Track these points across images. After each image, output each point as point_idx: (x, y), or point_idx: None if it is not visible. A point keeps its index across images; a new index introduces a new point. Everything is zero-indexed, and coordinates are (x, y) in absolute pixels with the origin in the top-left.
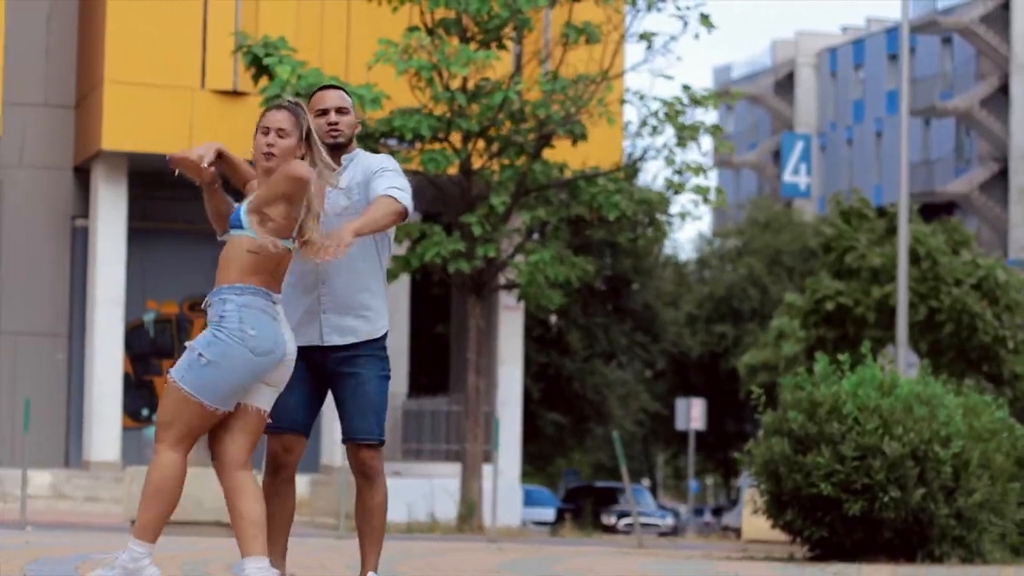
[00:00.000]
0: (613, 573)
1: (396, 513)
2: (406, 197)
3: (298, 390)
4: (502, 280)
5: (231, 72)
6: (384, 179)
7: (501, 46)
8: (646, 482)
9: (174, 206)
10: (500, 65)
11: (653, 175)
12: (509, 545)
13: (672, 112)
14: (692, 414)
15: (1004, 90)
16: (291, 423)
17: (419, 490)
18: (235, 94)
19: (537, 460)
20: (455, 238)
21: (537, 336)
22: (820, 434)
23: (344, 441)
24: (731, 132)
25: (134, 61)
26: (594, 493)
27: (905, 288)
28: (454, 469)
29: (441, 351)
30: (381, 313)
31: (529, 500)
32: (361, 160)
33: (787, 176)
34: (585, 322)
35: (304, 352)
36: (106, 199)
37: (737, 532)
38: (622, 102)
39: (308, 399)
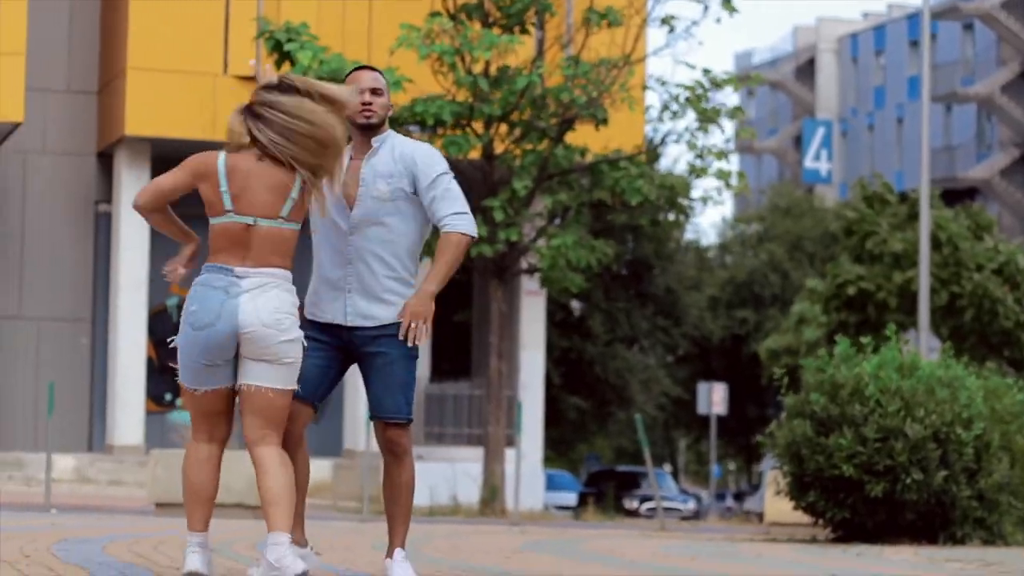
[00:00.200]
0: (636, 555)
1: (419, 497)
2: (471, 222)
3: (312, 360)
4: (524, 264)
5: (253, 58)
6: (446, 201)
7: (524, 31)
8: (667, 467)
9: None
10: (522, 50)
11: (674, 159)
12: (532, 528)
13: (693, 96)
14: (714, 398)
15: None
16: (297, 391)
17: (441, 474)
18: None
19: (559, 445)
20: (477, 222)
21: (559, 321)
22: (842, 416)
23: (372, 419)
24: (752, 118)
25: (157, 47)
26: (616, 477)
27: (927, 273)
28: (476, 453)
29: (463, 336)
30: (407, 297)
31: (551, 484)
32: (397, 144)
33: (808, 162)
34: (607, 307)
35: (330, 330)
36: (129, 184)
37: (759, 517)
38: (644, 87)
39: (322, 371)
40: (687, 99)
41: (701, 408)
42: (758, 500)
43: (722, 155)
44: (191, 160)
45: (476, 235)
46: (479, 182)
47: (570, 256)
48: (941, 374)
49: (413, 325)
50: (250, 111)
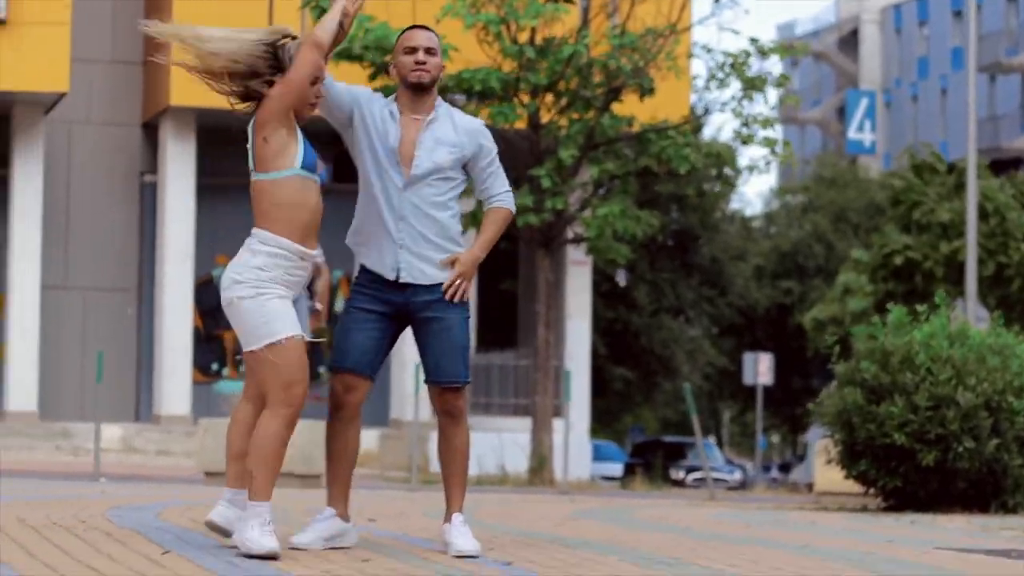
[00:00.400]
0: (689, 522)
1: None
2: (513, 200)
3: (366, 332)
4: (570, 234)
5: (298, 26)
6: (497, 178)
7: None
8: (711, 438)
9: (242, 161)
10: (567, 19)
11: (717, 127)
12: (580, 497)
13: (738, 65)
14: (760, 369)
15: None
16: (355, 363)
17: (489, 444)
18: None
19: (604, 416)
20: (524, 192)
21: (604, 291)
22: (893, 384)
23: (429, 383)
24: (796, 89)
25: (202, 16)
26: (662, 448)
27: (974, 243)
28: (522, 423)
29: (508, 306)
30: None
31: (597, 455)
32: (456, 116)
33: (852, 133)
34: (652, 277)
35: (382, 297)
36: (174, 155)
37: (808, 487)
38: (689, 56)
39: (377, 341)
40: (732, 67)
41: (747, 379)
42: (803, 471)
43: (768, 123)
44: None
45: (515, 211)
46: (525, 151)
47: (617, 226)
48: (992, 342)
49: (458, 282)
50: None
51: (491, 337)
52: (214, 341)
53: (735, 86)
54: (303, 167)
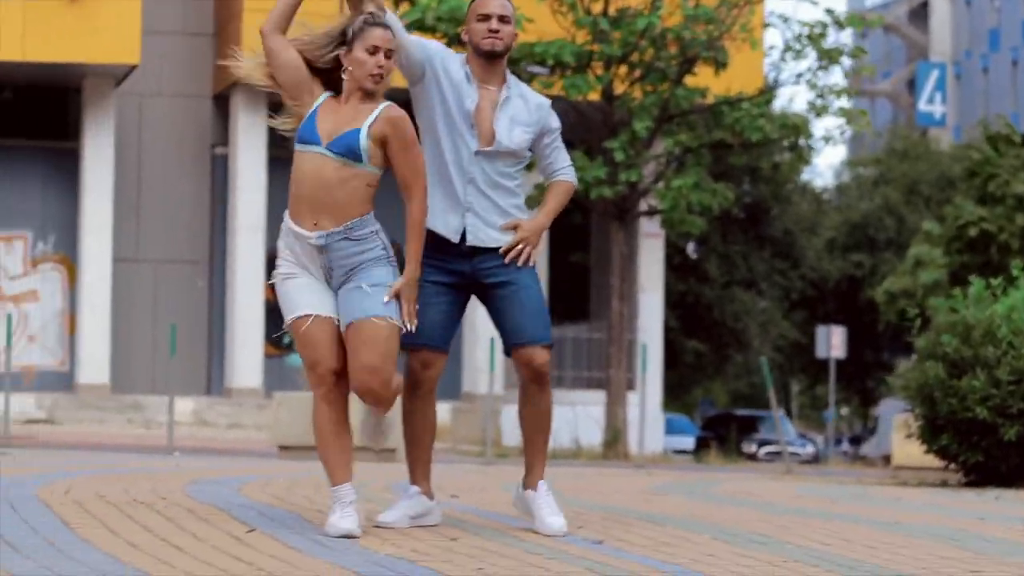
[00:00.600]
0: (772, 497)
1: None
2: (574, 173)
3: (437, 307)
4: (644, 206)
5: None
6: (561, 153)
7: None
8: (781, 411)
9: None
10: None
11: (789, 98)
12: (657, 471)
13: (815, 36)
14: (833, 342)
15: None
16: (430, 339)
17: (562, 417)
18: None
19: (674, 389)
20: (598, 164)
21: (676, 264)
22: (975, 358)
23: (513, 346)
24: (865, 61)
25: None
26: (734, 421)
27: None
28: (595, 396)
29: (579, 279)
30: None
31: (668, 428)
32: (526, 93)
33: (922, 105)
34: (724, 249)
35: (448, 267)
36: (245, 127)
37: (884, 460)
38: (765, 26)
39: (447, 315)
40: (809, 37)
41: (820, 352)
42: (875, 444)
43: (844, 93)
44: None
45: (577, 185)
46: (599, 123)
47: (691, 198)
48: None
49: (521, 247)
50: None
51: (562, 310)
52: None
53: (811, 57)
54: (298, 140)
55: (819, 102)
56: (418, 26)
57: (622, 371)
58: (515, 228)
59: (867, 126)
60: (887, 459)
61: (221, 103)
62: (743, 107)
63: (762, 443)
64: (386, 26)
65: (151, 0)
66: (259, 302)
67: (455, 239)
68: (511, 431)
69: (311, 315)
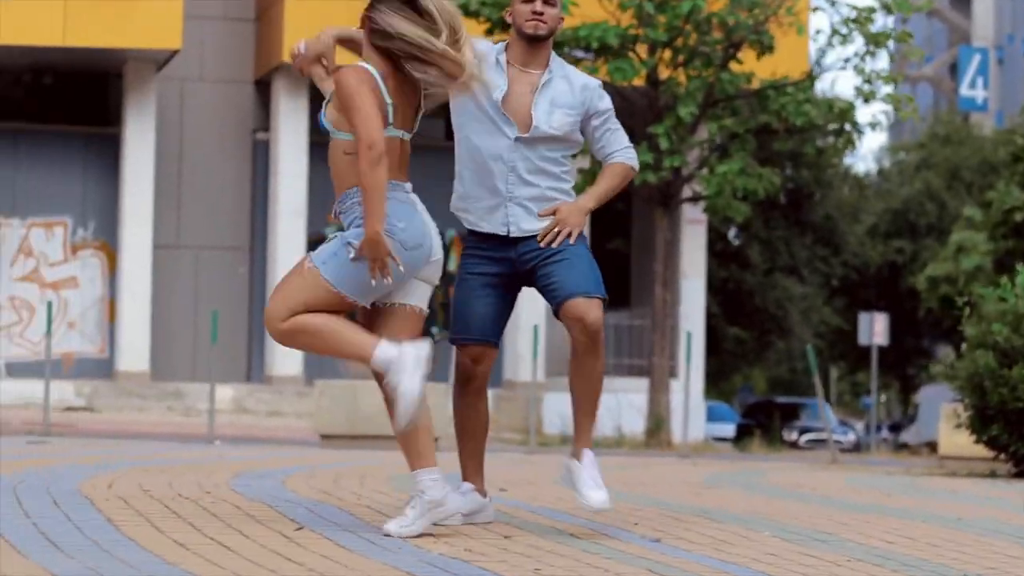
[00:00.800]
0: (826, 490)
1: None
2: (636, 157)
3: (485, 300)
4: (688, 192)
5: None
6: (617, 134)
7: None
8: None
9: None
10: None
11: (831, 81)
12: (702, 460)
13: (863, 20)
14: (875, 329)
15: None
16: (479, 333)
17: (604, 404)
18: None
19: (714, 376)
20: (642, 149)
21: (718, 250)
22: None
23: (561, 302)
24: (911, 45)
25: None
26: (775, 409)
27: None
28: (636, 384)
29: (617, 266)
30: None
31: (709, 415)
32: (571, 75)
33: (964, 90)
34: (766, 235)
35: (495, 257)
36: (287, 112)
37: (925, 447)
38: (813, 9)
39: (496, 309)
40: (855, 21)
41: (862, 339)
42: (915, 432)
43: (891, 79)
44: (358, 75)
45: (638, 169)
46: (644, 108)
47: (736, 184)
48: None
49: (557, 229)
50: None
51: None
52: None
53: (857, 42)
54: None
55: (866, 87)
56: (463, 11)
57: (665, 359)
58: (554, 213)
59: (914, 113)
60: (928, 446)
61: (262, 88)
62: (788, 92)
63: (803, 431)
64: None
65: None
66: None
67: (503, 232)
68: (553, 419)
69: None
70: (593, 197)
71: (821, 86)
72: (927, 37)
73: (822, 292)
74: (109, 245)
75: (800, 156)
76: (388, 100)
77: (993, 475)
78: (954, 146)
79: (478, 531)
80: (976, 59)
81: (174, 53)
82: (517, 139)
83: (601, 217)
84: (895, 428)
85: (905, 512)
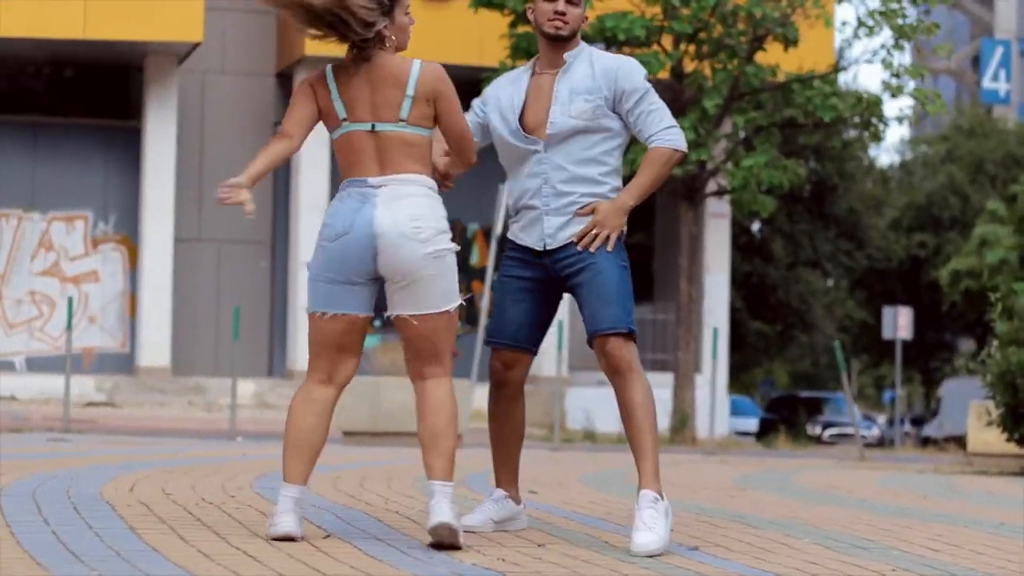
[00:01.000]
0: (861, 491)
1: (606, 424)
2: (681, 136)
3: (519, 304)
4: (714, 186)
5: None
6: (654, 115)
7: None
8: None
9: None
10: None
11: (853, 75)
12: (729, 458)
13: (891, 13)
14: (899, 323)
15: None
16: (511, 338)
17: None
18: None
19: (735, 370)
20: None
21: (741, 244)
22: None
23: (589, 336)
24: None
25: None
26: (799, 403)
27: None
28: (659, 379)
29: (642, 259)
30: None
31: (732, 410)
32: (596, 58)
33: (986, 82)
34: (789, 229)
35: (531, 261)
36: None
37: (948, 441)
38: (839, 1)
39: (531, 314)
40: (882, 14)
41: (886, 333)
42: (937, 426)
43: (919, 73)
44: (300, 85)
45: (686, 150)
46: (669, 101)
47: (762, 177)
48: None
49: (595, 231)
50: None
51: None
52: None
53: (883, 34)
54: None
55: (894, 82)
56: (485, 2)
57: (690, 354)
58: (592, 212)
59: (942, 107)
60: (951, 440)
61: (284, 81)
62: (814, 85)
63: (826, 425)
64: None
65: None
66: None
67: (540, 247)
68: (577, 415)
69: None
70: (633, 193)
71: (844, 78)
72: (949, 29)
73: (841, 285)
74: (130, 239)
75: (823, 149)
76: (336, 97)
77: (1023, 473)
78: (978, 139)
79: (511, 539)
80: (999, 51)
81: (195, 46)
82: (546, 146)
83: None
84: (917, 422)
85: (946, 517)
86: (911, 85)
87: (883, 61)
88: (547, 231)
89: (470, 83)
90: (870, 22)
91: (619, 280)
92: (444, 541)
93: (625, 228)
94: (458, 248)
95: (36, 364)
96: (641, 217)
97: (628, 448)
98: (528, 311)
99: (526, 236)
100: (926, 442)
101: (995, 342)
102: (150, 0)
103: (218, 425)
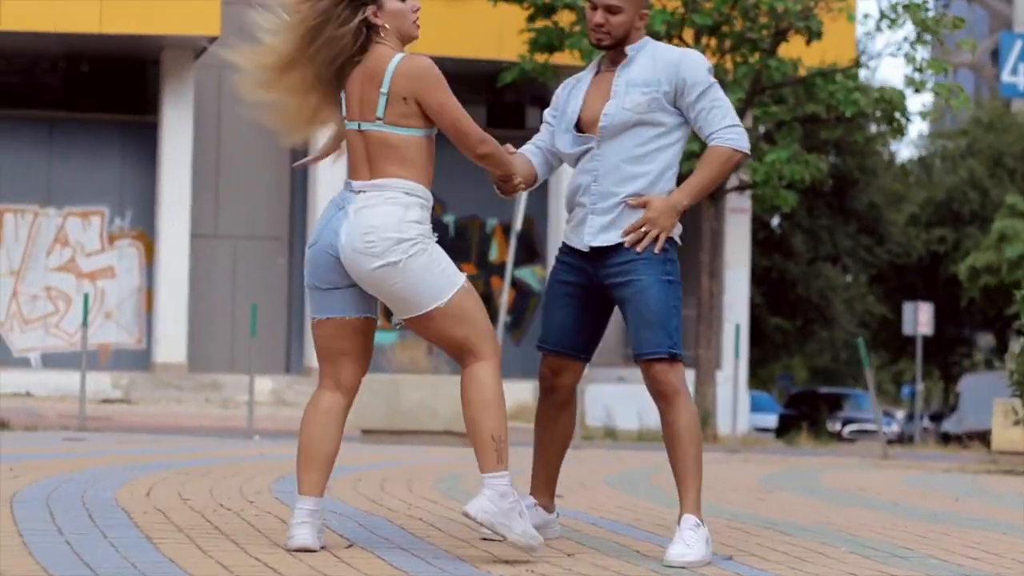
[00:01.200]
0: (890, 494)
1: (627, 421)
2: (744, 136)
3: (565, 309)
4: (735, 181)
5: None
6: (716, 112)
7: None
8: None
9: None
10: None
11: (873, 70)
12: (753, 456)
13: (914, 7)
14: (920, 319)
15: None
16: (556, 344)
17: (647, 397)
18: None
19: (753, 365)
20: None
21: (761, 239)
22: None
23: (635, 357)
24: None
25: None
26: (819, 399)
27: None
28: None
29: None
30: None
31: (751, 406)
32: (658, 51)
33: (1005, 76)
34: (809, 224)
35: (577, 265)
36: None
37: (968, 438)
38: None
39: (577, 320)
40: (906, 7)
41: (907, 328)
42: (955, 421)
43: (942, 67)
44: None
45: (748, 151)
46: None
47: (784, 172)
48: None
49: (644, 229)
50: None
51: None
52: None
53: (906, 28)
54: None
55: (917, 76)
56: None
57: (712, 351)
58: (644, 205)
59: (965, 102)
60: (971, 436)
61: None
62: (837, 80)
63: (846, 421)
64: None
65: None
66: None
67: (585, 248)
68: (597, 412)
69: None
70: (688, 192)
71: (863, 73)
72: (968, 24)
73: (859, 281)
74: (146, 234)
75: (844, 144)
76: (343, 94)
77: None
78: (997, 133)
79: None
80: (1018, 45)
81: (212, 40)
82: (598, 143)
83: None
84: (935, 417)
85: (981, 522)
86: (933, 80)
87: (906, 55)
88: (588, 230)
89: (489, 76)
90: (893, 15)
91: (662, 298)
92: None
93: (679, 233)
94: (428, 238)
95: (52, 360)
96: None
97: (650, 447)
98: (573, 317)
99: (574, 237)
100: (947, 439)
101: (1022, 339)
102: None
103: (235, 422)
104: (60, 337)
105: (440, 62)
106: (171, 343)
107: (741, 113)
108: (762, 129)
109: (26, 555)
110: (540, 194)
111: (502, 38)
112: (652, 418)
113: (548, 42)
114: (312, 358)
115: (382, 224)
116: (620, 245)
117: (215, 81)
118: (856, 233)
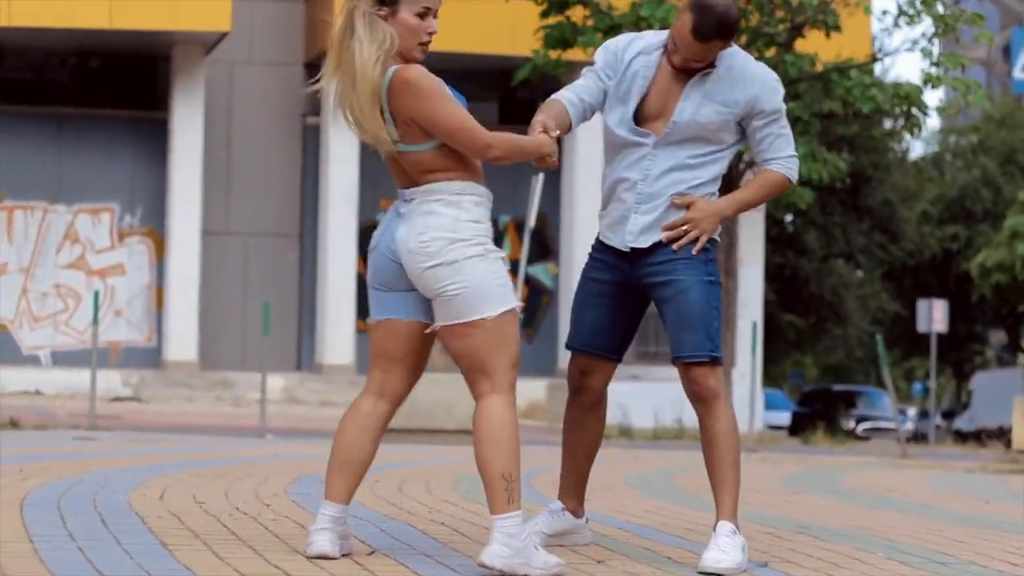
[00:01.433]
0: (916, 495)
1: (642, 419)
2: (797, 168)
3: (597, 308)
4: (750, 176)
5: None
6: (782, 140)
7: None
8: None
9: None
10: None
11: (888, 66)
12: (770, 455)
13: (929, 0)
14: (934, 316)
15: None
16: (587, 344)
17: (664, 395)
18: None
19: (765, 363)
20: None
21: (773, 236)
22: None
23: (674, 360)
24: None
25: None
26: (833, 397)
27: None
28: None
29: None
30: None
31: (764, 403)
32: (736, 67)
33: (1017, 72)
34: (823, 221)
35: (612, 263)
36: None
37: (983, 435)
38: None
39: (610, 320)
40: (923, 2)
41: (921, 326)
42: (968, 419)
43: (960, 63)
44: None
45: (796, 182)
46: None
47: (801, 169)
48: None
49: (685, 228)
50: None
51: None
52: None
53: (924, 23)
54: None
55: (935, 71)
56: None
57: (727, 348)
58: (688, 206)
59: (982, 97)
60: (992, 437)
61: (313, 71)
62: (853, 76)
63: (860, 419)
64: None
65: None
66: (351, 276)
67: (626, 248)
68: (612, 409)
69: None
70: (735, 203)
71: (878, 68)
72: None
73: (873, 278)
74: (157, 231)
75: (857, 140)
76: None
77: None
78: (1008, 129)
79: (569, 555)
80: None
81: (223, 36)
82: (657, 143)
83: None
84: (948, 415)
85: (1017, 527)
86: (949, 75)
87: (923, 50)
88: (630, 229)
89: (502, 72)
90: (911, 11)
91: (703, 300)
92: None
93: (719, 236)
94: (494, 251)
95: (61, 358)
96: None
97: (666, 446)
98: (607, 316)
99: (613, 236)
100: (960, 436)
101: None
102: None
103: (246, 421)
104: (70, 335)
105: (453, 58)
106: (182, 341)
107: None
108: (789, 120)
109: (37, 562)
110: (553, 191)
111: (515, 34)
112: (667, 417)
113: (562, 37)
114: (324, 355)
115: (436, 224)
116: (660, 244)
117: (226, 77)
118: (869, 230)
